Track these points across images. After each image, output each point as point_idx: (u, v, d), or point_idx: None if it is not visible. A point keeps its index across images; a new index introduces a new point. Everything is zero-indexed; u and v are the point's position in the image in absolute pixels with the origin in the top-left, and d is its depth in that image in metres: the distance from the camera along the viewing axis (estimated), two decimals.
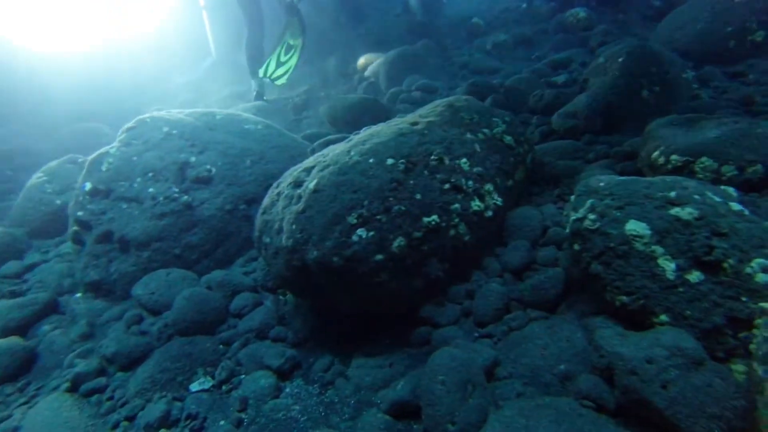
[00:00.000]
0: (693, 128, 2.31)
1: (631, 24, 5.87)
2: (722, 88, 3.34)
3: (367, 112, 3.93)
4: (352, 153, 2.04)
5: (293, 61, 5.72)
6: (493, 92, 3.69)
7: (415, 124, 2.23)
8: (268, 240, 2.16)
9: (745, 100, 2.95)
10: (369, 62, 5.91)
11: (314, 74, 6.63)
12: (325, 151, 2.34)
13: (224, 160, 3.01)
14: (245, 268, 2.76)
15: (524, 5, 8.21)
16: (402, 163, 1.97)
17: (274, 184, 2.36)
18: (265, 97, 5.90)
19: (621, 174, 2.43)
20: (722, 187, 1.90)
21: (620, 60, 3.15)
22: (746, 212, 1.60)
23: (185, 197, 2.77)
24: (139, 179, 2.81)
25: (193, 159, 2.92)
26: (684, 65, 3.34)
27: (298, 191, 2.10)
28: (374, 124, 3.29)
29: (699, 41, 3.79)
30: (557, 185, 2.46)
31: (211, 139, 3.12)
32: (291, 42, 5.59)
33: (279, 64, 5.68)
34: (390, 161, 1.98)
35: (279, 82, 5.75)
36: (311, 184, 2.03)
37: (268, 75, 5.65)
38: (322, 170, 2.07)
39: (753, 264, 1.44)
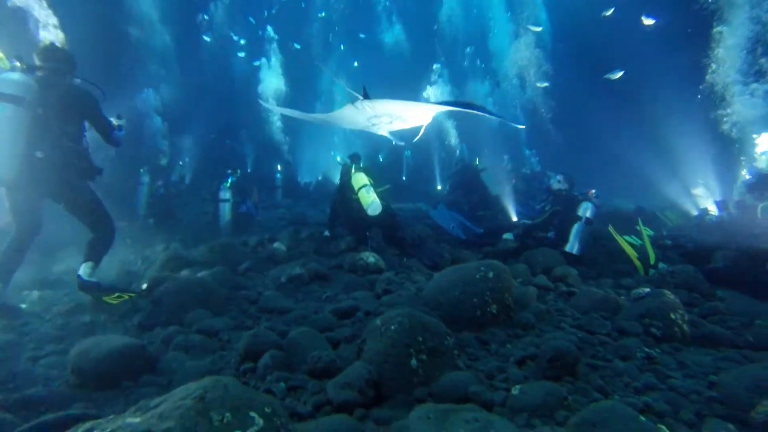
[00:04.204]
0: (445, 423, 2.39)
1: (413, 272, 6.95)
2: (475, 355, 3.87)
3: (127, 369, 3.21)
4: None
5: None
6: (273, 348, 3.47)
7: None
8: None
9: (488, 375, 3.42)
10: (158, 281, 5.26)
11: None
12: None
13: None
14: None
15: (326, 233, 9.21)
16: None
17: None
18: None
19: None
20: None
21: (392, 328, 3.42)
22: None
23: None
24: None
25: None
26: (445, 332, 3.81)
27: None
28: (134, 382, 3.17)
29: (456, 307, 4.53)
30: None
31: None
32: None
33: None
34: None
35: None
36: None
37: None
38: None
39: None
